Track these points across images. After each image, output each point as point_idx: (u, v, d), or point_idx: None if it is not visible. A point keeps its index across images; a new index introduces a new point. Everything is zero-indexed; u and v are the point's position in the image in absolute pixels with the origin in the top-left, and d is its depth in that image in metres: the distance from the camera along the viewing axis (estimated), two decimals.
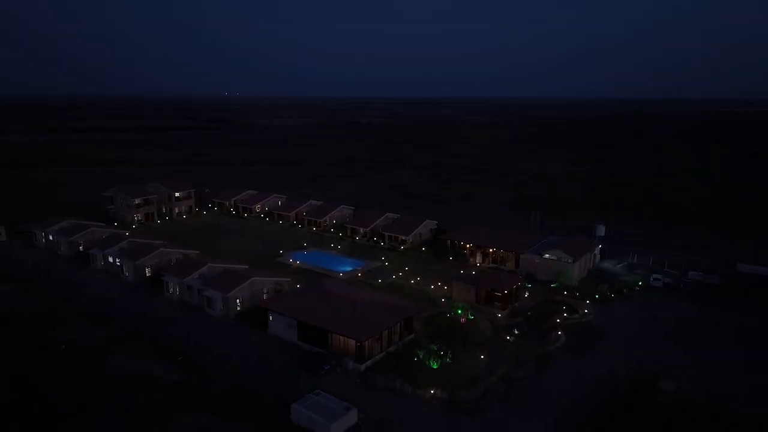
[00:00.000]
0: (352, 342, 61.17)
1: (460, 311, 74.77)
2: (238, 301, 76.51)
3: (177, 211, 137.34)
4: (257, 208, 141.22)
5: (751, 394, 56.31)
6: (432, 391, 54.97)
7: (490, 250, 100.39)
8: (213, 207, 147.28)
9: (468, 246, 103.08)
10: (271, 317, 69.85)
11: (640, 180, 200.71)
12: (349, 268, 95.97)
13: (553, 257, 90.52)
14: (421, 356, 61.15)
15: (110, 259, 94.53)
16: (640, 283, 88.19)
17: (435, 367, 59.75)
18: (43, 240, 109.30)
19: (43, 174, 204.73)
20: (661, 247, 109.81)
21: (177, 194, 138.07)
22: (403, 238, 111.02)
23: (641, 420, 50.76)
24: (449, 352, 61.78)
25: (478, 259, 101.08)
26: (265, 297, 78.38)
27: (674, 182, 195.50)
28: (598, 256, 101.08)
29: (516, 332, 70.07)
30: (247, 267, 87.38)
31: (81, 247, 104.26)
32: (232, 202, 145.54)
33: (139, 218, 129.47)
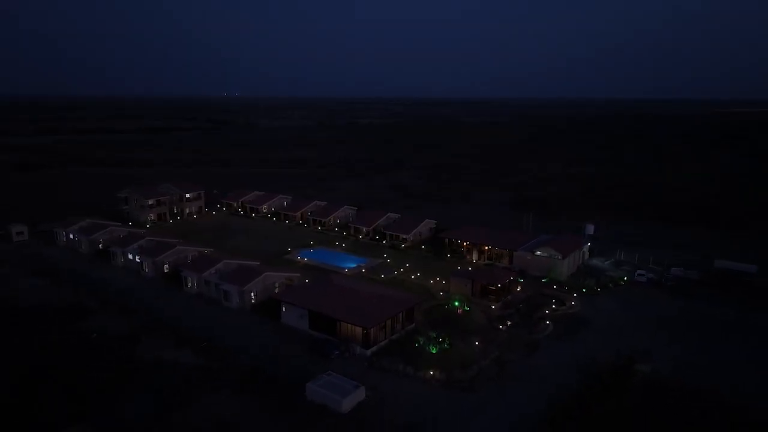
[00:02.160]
0: (359, 329, 67.45)
1: (457, 303, 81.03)
2: (252, 294, 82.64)
3: (188, 211, 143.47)
4: (264, 208, 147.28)
5: (718, 374, 62.65)
6: (431, 373, 61.24)
7: (486, 248, 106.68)
8: (221, 207, 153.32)
9: (465, 244, 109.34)
10: (283, 308, 76.13)
11: (640, 180, 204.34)
12: (354, 265, 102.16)
13: (544, 254, 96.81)
14: (421, 342, 67.42)
15: (130, 257, 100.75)
16: (625, 278, 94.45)
17: (434, 351, 66.02)
18: (64, 239, 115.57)
19: (43, 175, 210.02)
20: (660, 247, 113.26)
21: (188, 195, 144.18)
22: (404, 236, 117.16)
23: (618, 397, 57.10)
24: (447, 338, 68.01)
25: (475, 256, 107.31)
26: (276, 290, 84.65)
27: (674, 182, 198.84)
28: (587, 254, 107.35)
29: (508, 322, 76.34)
30: (259, 263, 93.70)
31: (100, 245, 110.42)
32: (240, 203, 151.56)
33: (153, 218, 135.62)
